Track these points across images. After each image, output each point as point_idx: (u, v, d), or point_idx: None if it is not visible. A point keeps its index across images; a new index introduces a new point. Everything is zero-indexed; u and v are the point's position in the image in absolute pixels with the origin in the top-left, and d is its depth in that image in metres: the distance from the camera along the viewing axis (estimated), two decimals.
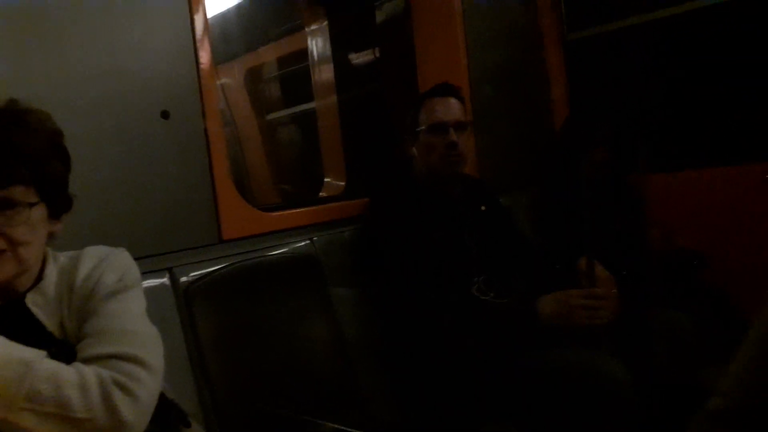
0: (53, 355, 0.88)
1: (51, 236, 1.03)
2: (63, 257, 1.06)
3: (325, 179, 2.95)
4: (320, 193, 2.87)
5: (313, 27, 3.01)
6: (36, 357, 0.85)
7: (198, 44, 1.58)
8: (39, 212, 0.97)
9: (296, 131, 3.90)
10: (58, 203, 1.02)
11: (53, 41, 1.33)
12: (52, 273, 1.02)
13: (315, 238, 1.83)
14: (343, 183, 2.85)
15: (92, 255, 1.04)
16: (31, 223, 0.95)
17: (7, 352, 0.83)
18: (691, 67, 2.64)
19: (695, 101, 2.64)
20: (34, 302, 0.99)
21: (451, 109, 1.84)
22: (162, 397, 0.99)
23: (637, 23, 2.74)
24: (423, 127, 1.84)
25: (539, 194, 2.52)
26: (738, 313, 2.27)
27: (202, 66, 1.58)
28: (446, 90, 1.88)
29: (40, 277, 1.01)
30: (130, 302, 1.01)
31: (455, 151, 1.80)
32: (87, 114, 1.37)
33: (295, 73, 3.60)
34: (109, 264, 1.03)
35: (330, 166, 2.97)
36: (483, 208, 1.96)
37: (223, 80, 3.66)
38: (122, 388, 0.87)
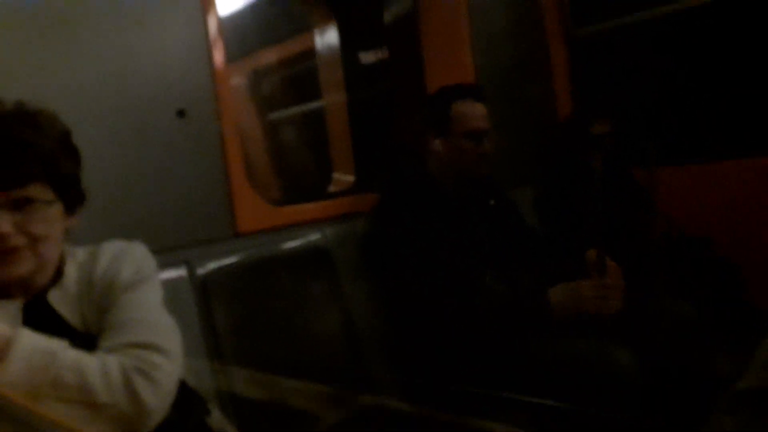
0: (76, 347, 0.90)
1: (67, 231, 1.05)
2: (81, 253, 1.09)
3: (334, 175, 2.97)
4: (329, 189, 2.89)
5: (322, 26, 3.04)
6: (60, 347, 0.87)
7: (211, 43, 1.61)
8: (55, 209, 1.00)
9: (307, 129, 3.91)
10: (73, 199, 1.04)
11: (69, 44, 1.36)
12: (71, 270, 1.05)
13: (327, 231, 1.85)
14: (351, 178, 2.88)
15: (110, 249, 1.08)
16: (49, 220, 0.98)
17: (33, 343, 0.85)
18: (701, 61, 2.64)
19: (704, 95, 2.64)
20: (56, 298, 1.02)
21: (484, 116, 1.86)
22: (183, 385, 1.02)
23: (644, 19, 2.74)
24: (457, 131, 1.84)
25: (544, 189, 2.53)
26: (745, 297, 2.27)
27: (216, 64, 1.61)
28: (478, 94, 1.90)
29: (59, 274, 1.04)
30: (147, 293, 1.04)
31: (486, 159, 1.84)
32: (106, 114, 1.41)
33: (305, 71, 3.62)
34: (126, 257, 1.06)
35: (339, 162, 2.99)
36: (492, 202, 1.98)
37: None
38: (143, 374, 0.89)
